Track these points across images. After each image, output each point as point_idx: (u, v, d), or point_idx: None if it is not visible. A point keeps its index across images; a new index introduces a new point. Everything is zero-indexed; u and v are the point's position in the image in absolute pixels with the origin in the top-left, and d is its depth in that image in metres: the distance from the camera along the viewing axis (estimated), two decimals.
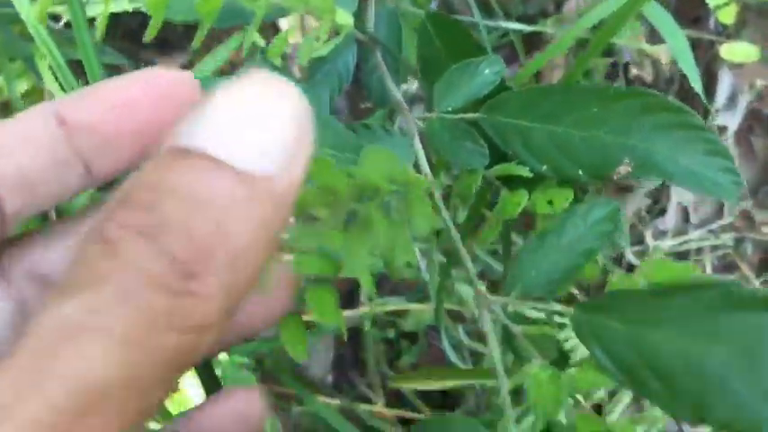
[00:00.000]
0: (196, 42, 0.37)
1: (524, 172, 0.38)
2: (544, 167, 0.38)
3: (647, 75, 0.81)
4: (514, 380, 0.31)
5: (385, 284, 0.86)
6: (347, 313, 0.84)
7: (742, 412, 0.28)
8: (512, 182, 0.39)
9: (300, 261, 0.33)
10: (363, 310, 0.85)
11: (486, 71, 0.41)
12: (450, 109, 0.41)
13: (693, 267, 0.31)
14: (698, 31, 0.85)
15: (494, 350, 0.31)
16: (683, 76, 0.85)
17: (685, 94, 0.89)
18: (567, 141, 0.38)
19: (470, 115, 0.40)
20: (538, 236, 0.34)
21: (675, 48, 0.54)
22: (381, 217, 0.30)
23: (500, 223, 0.38)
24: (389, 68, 0.46)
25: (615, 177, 0.35)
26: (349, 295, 0.88)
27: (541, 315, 0.34)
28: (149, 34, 0.35)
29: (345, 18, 0.41)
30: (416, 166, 0.39)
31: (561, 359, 0.33)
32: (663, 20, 0.53)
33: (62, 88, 0.47)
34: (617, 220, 0.33)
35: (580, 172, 0.37)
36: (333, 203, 0.30)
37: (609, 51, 0.77)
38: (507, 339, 0.33)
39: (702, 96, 0.50)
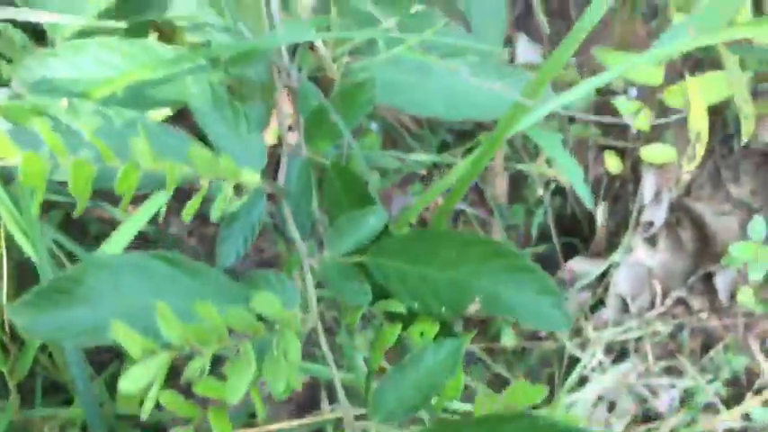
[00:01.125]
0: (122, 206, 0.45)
1: (399, 308, 0.45)
2: (416, 304, 0.45)
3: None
4: None
5: None
6: (308, 420, 0.89)
7: None
8: (393, 314, 0.46)
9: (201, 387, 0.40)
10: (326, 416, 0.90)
11: (371, 220, 0.48)
12: (341, 253, 0.48)
13: None
14: (622, 141, 0.93)
15: None
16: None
17: (621, 195, 0.96)
18: (434, 282, 0.44)
19: (357, 258, 0.47)
20: (397, 367, 0.40)
21: (565, 167, 0.61)
22: (252, 351, 0.36)
23: (381, 351, 0.44)
24: (300, 215, 0.53)
25: (468, 313, 0.42)
26: (310, 400, 0.93)
27: None
28: (78, 212, 0.41)
29: (252, 177, 0.48)
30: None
31: None
32: (548, 141, 0.60)
33: None
34: (459, 356, 0.39)
35: (443, 309, 0.43)
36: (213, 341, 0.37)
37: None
38: None
39: (588, 202, 0.56)
